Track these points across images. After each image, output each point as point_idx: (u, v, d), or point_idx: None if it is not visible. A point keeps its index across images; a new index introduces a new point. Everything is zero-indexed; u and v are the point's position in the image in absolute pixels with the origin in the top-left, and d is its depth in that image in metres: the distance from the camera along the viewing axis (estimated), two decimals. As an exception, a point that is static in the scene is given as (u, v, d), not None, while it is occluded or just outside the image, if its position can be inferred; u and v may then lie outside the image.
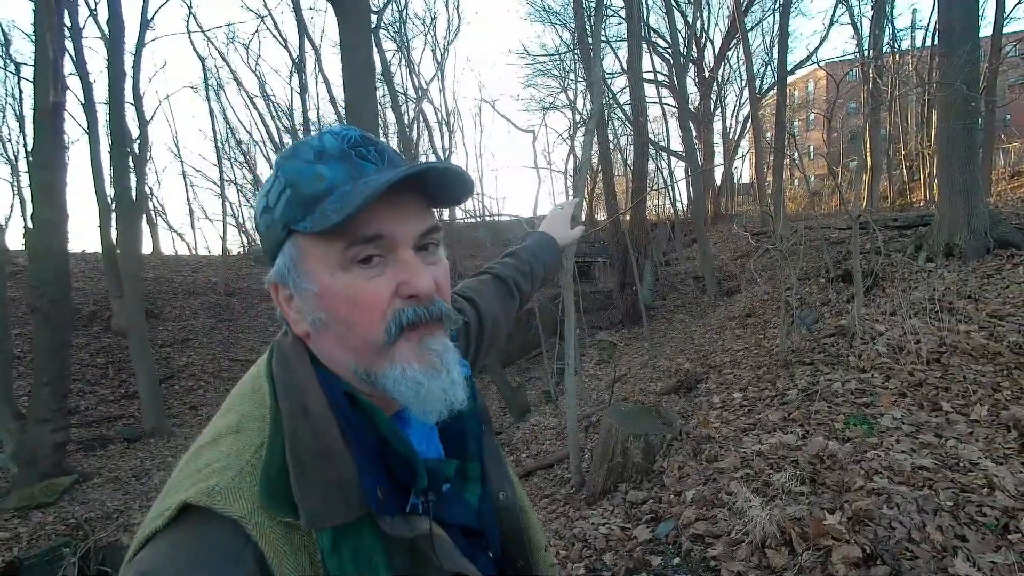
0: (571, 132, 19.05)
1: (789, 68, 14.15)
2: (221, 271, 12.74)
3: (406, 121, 17.23)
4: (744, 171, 24.63)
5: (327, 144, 0.52)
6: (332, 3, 4.12)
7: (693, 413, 4.09)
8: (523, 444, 6.09)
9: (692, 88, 18.96)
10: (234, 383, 0.58)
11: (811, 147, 24.99)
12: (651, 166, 19.81)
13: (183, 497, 0.45)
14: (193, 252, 18.64)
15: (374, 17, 11.33)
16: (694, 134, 15.94)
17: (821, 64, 16.84)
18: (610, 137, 17.24)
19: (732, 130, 22.48)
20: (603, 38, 17.39)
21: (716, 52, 19.02)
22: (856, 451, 2.56)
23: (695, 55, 18.35)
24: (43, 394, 6.26)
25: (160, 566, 0.43)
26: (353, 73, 4.22)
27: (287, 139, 17.06)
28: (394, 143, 18.38)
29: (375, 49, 11.59)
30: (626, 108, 15.17)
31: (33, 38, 6.88)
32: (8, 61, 14.60)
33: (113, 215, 9.36)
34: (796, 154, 16.84)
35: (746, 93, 17.13)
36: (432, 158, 19.29)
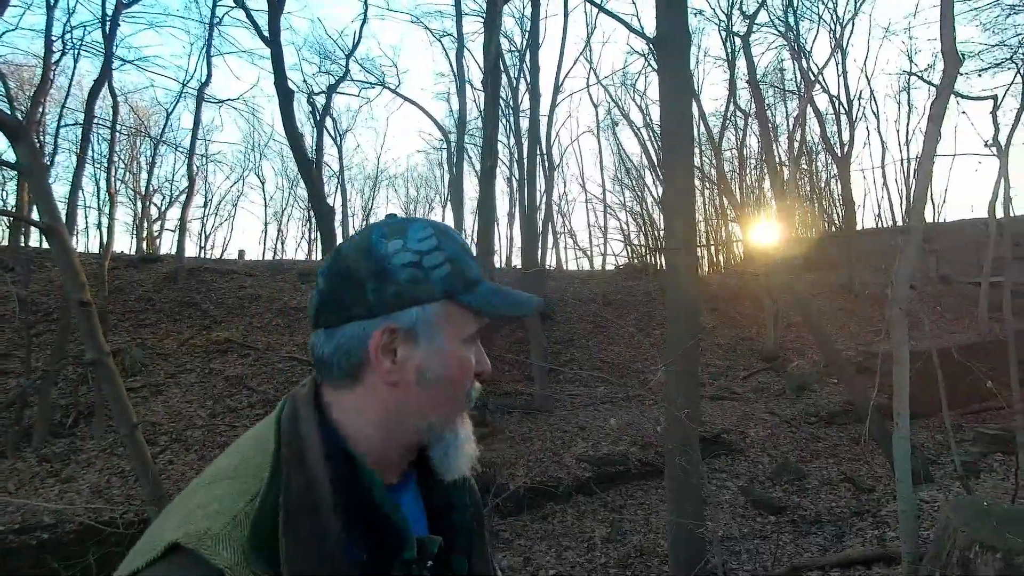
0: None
1: None
2: (601, 283, 14.85)
3: (791, 116, 15.48)
4: None
5: (462, 239, 0.63)
6: (651, 43, 4.45)
7: None
8: (878, 522, 4.70)
9: None
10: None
11: None
12: None
13: (173, 537, 0.46)
14: (591, 268, 21.97)
15: (746, 23, 10.87)
16: None
17: None
18: None
19: None
20: None
21: None
22: None
23: None
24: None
25: None
26: (670, 104, 4.44)
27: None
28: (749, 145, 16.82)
29: (743, 56, 11.04)
30: None
31: (482, 119, 10.18)
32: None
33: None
34: None
35: None
36: (819, 149, 16.52)
